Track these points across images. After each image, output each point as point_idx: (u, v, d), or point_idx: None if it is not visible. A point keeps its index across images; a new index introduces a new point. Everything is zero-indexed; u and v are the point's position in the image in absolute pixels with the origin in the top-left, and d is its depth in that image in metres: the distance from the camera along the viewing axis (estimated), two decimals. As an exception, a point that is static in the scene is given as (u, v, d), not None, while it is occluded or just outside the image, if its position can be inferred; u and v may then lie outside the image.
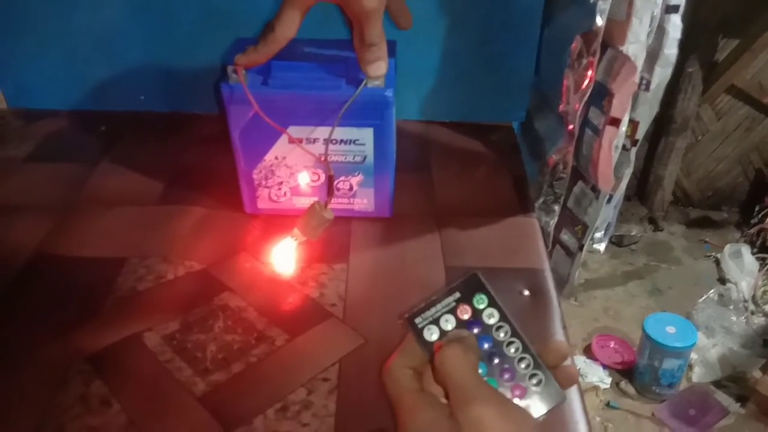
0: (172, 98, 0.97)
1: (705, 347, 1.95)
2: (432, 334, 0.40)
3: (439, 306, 0.41)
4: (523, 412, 0.38)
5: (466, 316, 0.41)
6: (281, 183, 0.75)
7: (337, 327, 0.63)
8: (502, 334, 0.40)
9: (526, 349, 0.40)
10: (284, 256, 0.69)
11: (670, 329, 1.81)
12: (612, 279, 2.32)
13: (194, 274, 0.69)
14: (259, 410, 0.55)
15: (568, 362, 0.41)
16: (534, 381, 0.39)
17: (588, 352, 1.99)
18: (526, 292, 0.68)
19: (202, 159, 0.89)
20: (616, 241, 2.42)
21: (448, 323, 0.40)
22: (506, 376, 0.40)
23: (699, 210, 2.66)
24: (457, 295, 0.41)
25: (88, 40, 0.91)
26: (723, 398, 1.83)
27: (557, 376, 0.40)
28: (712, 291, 2.18)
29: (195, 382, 0.57)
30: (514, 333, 0.41)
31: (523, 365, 0.40)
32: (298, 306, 0.66)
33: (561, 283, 0.97)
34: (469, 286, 0.41)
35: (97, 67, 0.94)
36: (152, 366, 0.59)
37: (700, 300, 2.14)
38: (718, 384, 1.89)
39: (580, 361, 1.93)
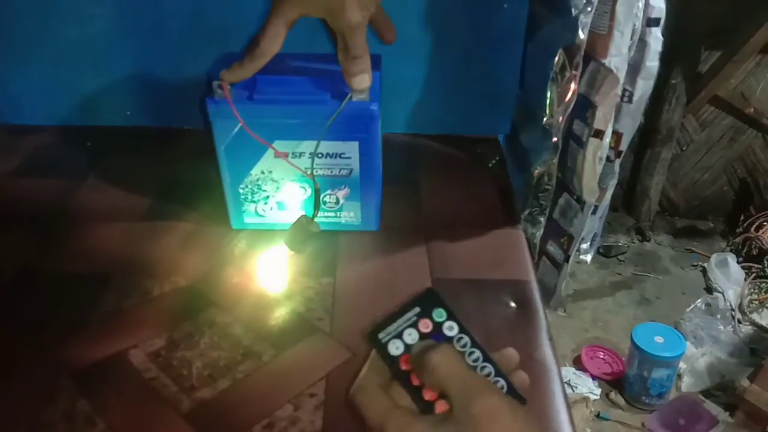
0: (159, 113, 0.97)
1: (693, 356, 1.95)
2: (397, 348, 0.41)
3: (401, 320, 0.42)
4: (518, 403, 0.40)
5: (427, 330, 0.42)
6: (268, 197, 0.75)
7: (324, 341, 0.63)
8: (462, 345, 0.42)
9: (486, 359, 0.41)
10: (271, 271, 0.69)
11: (659, 339, 1.81)
12: (600, 289, 2.32)
13: (180, 290, 0.69)
14: (246, 427, 0.54)
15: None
16: (497, 387, 0.41)
17: (577, 363, 1.99)
18: (512, 304, 0.68)
19: (188, 174, 0.89)
20: (604, 252, 2.44)
21: (411, 336, 0.41)
22: None
23: (685, 220, 2.68)
24: (417, 309, 0.42)
25: (74, 55, 0.91)
26: (712, 407, 1.84)
27: (513, 381, 0.42)
28: (699, 300, 2.19)
29: (181, 400, 0.56)
30: (474, 343, 0.42)
31: (485, 373, 0.41)
32: (284, 321, 0.66)
33: (548, 294, 0.97)
34: (427, 301, 0.43)
35: (84, 81, 0.94)
36: (138, 383, 0.58)
37: (688, 309, 2.15)
38: (706, 393, 1.90)
39: (570, 372, 1.93)
